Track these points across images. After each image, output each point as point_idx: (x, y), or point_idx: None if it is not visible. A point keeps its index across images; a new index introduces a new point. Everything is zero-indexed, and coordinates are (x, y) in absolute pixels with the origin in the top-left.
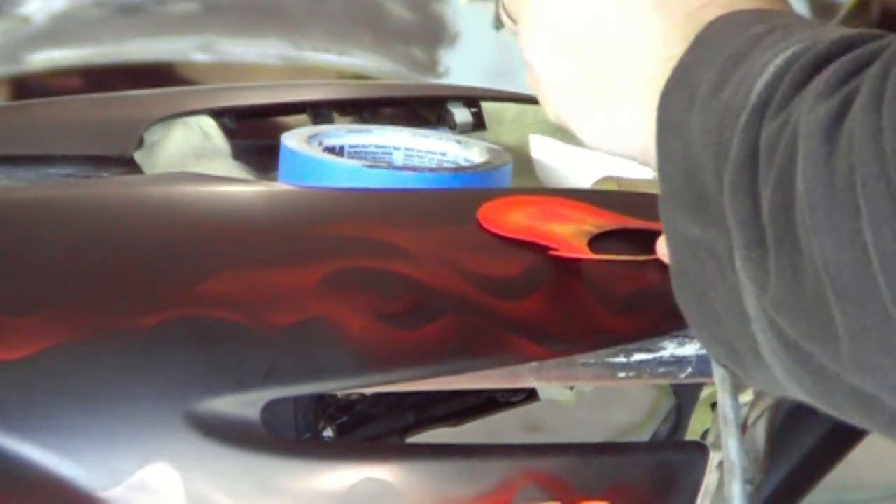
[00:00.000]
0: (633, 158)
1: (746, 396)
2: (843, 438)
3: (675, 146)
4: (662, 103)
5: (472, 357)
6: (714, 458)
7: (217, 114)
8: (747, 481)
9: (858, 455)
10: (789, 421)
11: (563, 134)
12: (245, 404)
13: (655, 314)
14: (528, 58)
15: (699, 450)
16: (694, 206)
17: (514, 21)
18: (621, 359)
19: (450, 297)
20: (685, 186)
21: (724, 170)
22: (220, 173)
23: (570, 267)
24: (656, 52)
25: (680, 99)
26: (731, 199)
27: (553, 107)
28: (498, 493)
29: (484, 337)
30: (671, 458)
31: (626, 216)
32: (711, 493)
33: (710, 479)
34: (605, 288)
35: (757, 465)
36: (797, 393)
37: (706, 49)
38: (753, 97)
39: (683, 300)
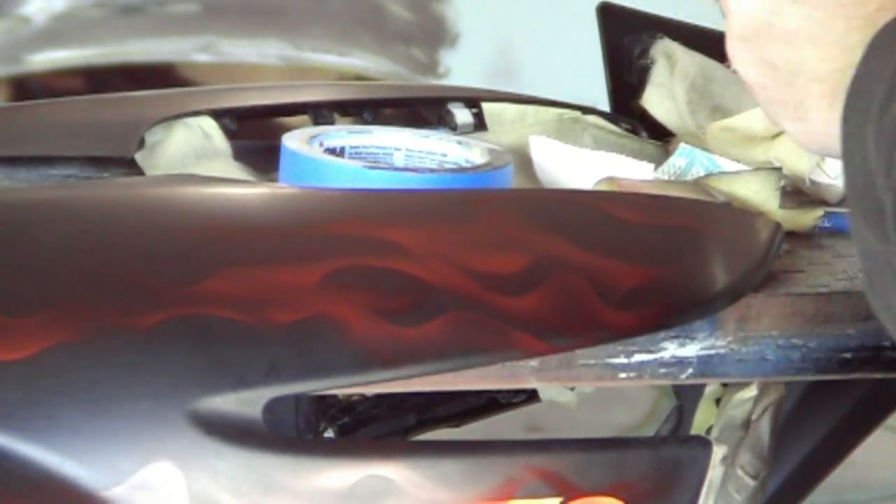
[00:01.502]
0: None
1: (750, 392)
2: (844, 439)
3: (857, 157)
4: (845, 115)
5: (473, 353)
6: (717, 452)
7: (218, 115)
8: (752, 476)
9: (858, 455)
10: (791, 421)
11: (562, 135)
12: (246, 402)
13: (656, 309)
14: (737, 69)
15: (703, 444)
16: (873, 218)
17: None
18: (622, 360)
19: (451, 293)
20: (865, 197)
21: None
22: (220, 174)
23: (570, 262)
24: (838, 61)
25: (858, 110)
26: (892, 214)
27: (767, 114)
28: (501, 489)
29: (486, 333)
30: (674, 453)
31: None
32: (716, 488)
33: (713, 473)
34: (606, 283)
35: (762, 461)
36: None
37: (877, 60)
38: None
39: (875, 306)
